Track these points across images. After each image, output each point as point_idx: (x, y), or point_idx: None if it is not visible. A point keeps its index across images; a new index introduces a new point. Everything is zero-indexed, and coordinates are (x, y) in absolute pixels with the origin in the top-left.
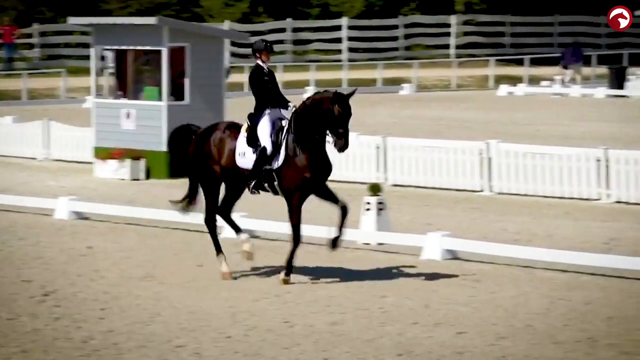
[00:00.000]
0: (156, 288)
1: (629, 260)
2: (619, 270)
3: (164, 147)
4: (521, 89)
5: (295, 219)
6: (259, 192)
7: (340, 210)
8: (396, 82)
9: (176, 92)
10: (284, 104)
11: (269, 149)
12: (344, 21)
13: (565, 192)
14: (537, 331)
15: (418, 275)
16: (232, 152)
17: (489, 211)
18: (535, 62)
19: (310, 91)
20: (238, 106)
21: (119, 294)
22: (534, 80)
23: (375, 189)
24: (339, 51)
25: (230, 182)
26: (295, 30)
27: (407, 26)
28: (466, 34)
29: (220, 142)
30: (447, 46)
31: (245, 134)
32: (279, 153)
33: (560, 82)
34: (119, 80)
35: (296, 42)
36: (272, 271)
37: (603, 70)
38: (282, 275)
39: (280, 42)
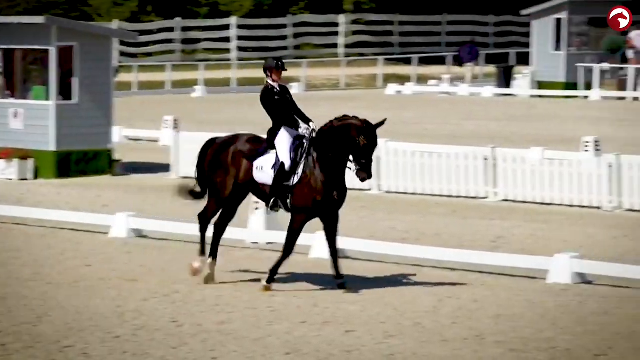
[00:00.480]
0: (43, 288)
1: (516, 258)
2: (506, 268)
3: (52, 147)
4: (409, 87)
5: (291, 236)
6: (277, 210)
7: (330, 254)
8: (285, 81)
9: (64, 91)
10: (305, 121)
11: (287, 164)
12: (233, 20)
13: (453, 190)
14: (425, 329)
15: (306, 274)
16: (251, 165)
17: (377, 210)
18: (423, 62)
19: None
20: (126, 105)
21: (5, 295)
22: (422, 79)
23: None
24: (228, 50)
25: (238, 198)
26: (185, 29)
27: (296, 25)
28: (355, 33)
29: (239, 154)
30: (335, 45)
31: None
32: (296, 171)
33: (449, 81)
34: (7, 79)
35: (185, 42)
36: (160, 270)
37: (491, 69)
38: (263, 282)
39: (169, 41)
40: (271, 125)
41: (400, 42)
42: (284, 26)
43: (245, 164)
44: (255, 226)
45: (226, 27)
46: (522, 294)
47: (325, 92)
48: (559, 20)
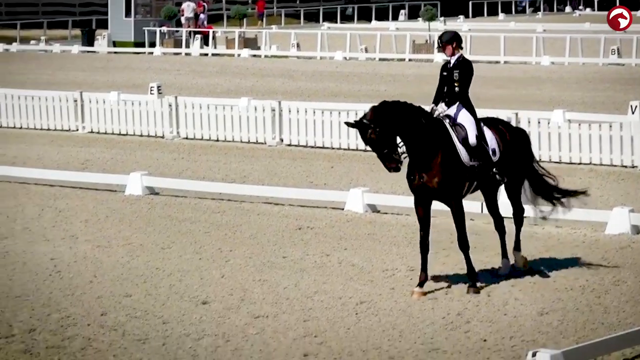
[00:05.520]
0: None
1: (99, 176)
2: (92, 184)
3: None
4: (15, 46)
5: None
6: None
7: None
8: None
9: None
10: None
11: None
12: None
13: (51, 125)
14: (32, 232)
15: None
16: None
17: None
18: (24, 26)
19: None
20: None
21: None
22: (24, 40)
23: None
24: None
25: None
26: None
27: None
28: None
29: None
30: None
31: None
32: None
33: (45, 41)
34: None
35: None
36: None
37: (77, 32)
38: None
39: None
40: None
41: (7, 12)
42: None
43: None
44: None
45: None
46: (105, 203)
47: None
48: None
